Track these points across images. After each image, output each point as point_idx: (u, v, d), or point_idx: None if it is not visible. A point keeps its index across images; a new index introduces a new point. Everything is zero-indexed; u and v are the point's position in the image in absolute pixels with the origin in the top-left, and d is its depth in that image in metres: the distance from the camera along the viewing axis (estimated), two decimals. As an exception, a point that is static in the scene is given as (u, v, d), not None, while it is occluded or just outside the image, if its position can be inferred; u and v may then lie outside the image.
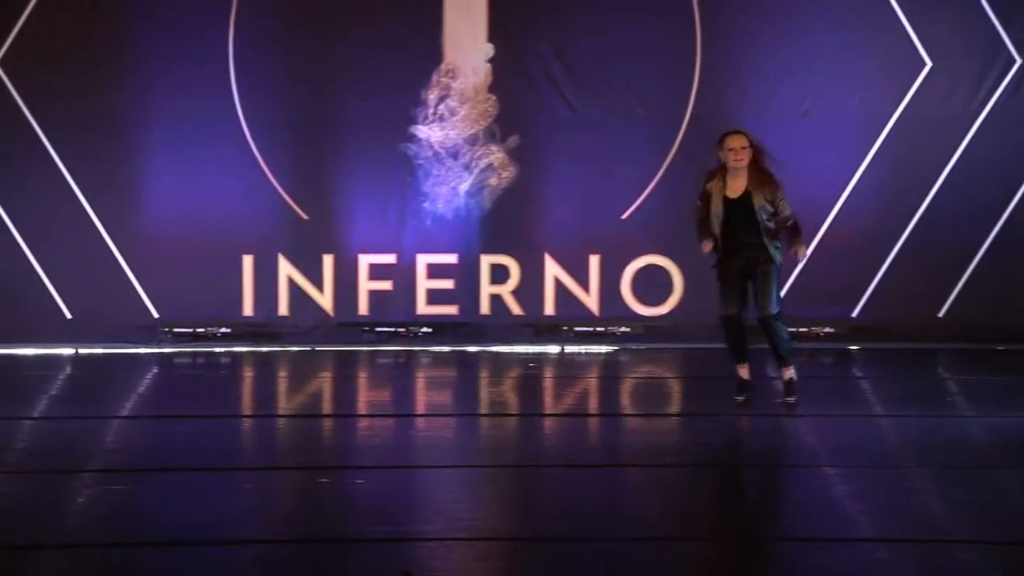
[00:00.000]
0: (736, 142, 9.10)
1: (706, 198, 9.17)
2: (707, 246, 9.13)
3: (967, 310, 12.69)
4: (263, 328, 12.88)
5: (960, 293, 12.71)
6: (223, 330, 12.78)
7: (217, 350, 12.54)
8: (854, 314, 12.80)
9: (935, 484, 7.03)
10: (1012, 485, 7.05)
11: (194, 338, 12.73)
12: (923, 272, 12.67)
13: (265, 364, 11.98)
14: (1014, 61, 12.62)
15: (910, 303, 12.70)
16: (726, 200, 9.10)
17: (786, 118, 12.60)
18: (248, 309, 12.87)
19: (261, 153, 12.78)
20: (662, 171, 12.77)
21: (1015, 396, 9.94)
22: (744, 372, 9.29)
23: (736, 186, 9.12)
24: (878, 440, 8.31)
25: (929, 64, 12.63)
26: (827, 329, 12.67)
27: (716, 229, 9.08)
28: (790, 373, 9.27)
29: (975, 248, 12.69)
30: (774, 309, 9.09)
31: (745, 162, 9.07)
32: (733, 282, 9.12)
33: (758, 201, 9.04)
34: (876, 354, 12.29)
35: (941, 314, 12.76)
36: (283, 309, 12.87)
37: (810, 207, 12.68)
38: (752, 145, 9.10)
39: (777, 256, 9.08)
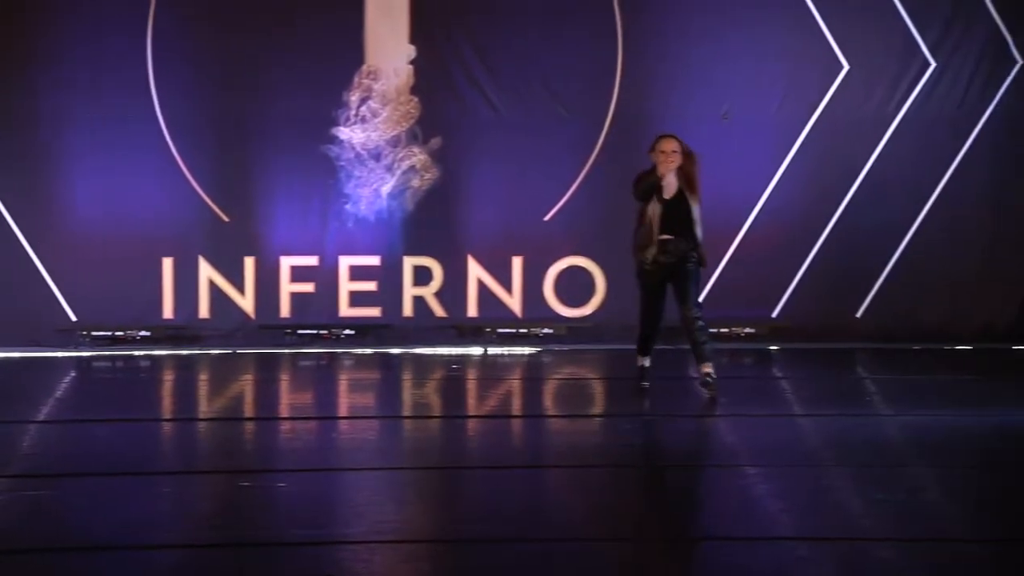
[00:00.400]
0: (668, 145, 9.39)
1: (649, 197, 9.38)
2: (651, 253, 9.37)
3: (883, 310, 12.86)
4: (183, 331, 12.77)
5: (877, 294, 12.89)
6: (142, 333, 12.65)
7: (136, 353, 12.41)
8: (774, 315, 12.93)
9: (854, 482, 7.12)
10: (928, 483, 7.15)
11: (113, 341, 12.59)
12: (841, 273, 12.82)
13: (185, 367, 11.87)
14: (929, 65, 12.81)
15: (828, 304, 12.86)
16: (662, 201, 9.37)
17: (706, 119, 12.70)
18: (168, 312, 12.75)
19: (181, 155, 12.66)
20: (584, 172, 12.82)
21: (930, 395, 10.09)
22: (647, 362, 9.76)
23: (669, 187, 9.39)
24: (798, 439, 8.40)
25: (846, 67, 12.79)
26: (747, 330, 12.79)
27: (654, 227, 9.32)
28: (709, 368, 9.43)
29: (891, 249, 12.87)
30: (697, 308, 9.40)
31: (675, 166, 9.37)
32: (657, 282, 9.42)
33: (692, 201, 9.39)
34: (795, 354, 12.41)
35: (858, 314, 12.92)
36: (204, 312, 12.77)
37: (730, 208, 12.83)
38: (683, 150, 9.41)
39: (694, 250, 9.43)
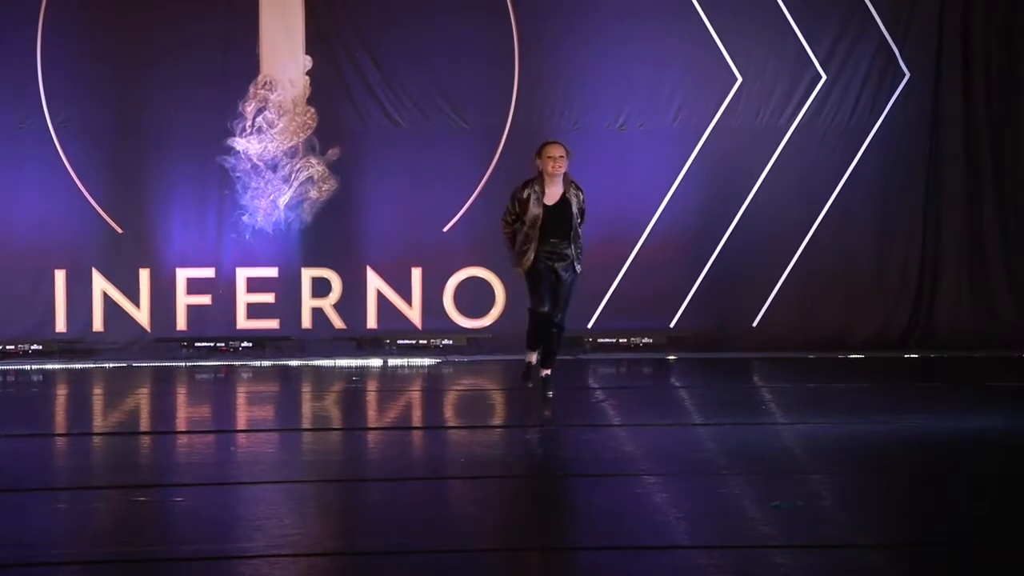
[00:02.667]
0: (556, 151, 9.61)
1: (522, 204, 9.56)
2: (523, 267, 9.57)
3: (779, 320, 13.03)
4: (77, 344, 12.57)
5: (772, 303, 13.05)
6: (34, 347, 12.43)
7: (28, 367, 12.19)
8: (671, 324, 13.04)
9: (751, 490, 7.19)
10: (823, 489, 7.25)
11: (3, 355, 12.36)
12: (737, 283, 12.97)
13: (79, 381, 11.69)
14: (820, 77, 13.02)
15: (725, 314, 13.00)
16: (544, 207, 9.54)
17: (603, 130, 12.80)
18: (61, 325, 12.56)
19: (72, 165, 12.48)
20: (483, 183, 12.84)
21: (825, 402, 10.24)
22: (535, 359, 9.88)
23: (553, 193, 9.60)
24: (695, 448, 8.47)
25: (740, 79, 12.95)
26: (645, 339, 12.88)
27: (535, 232, 9.49)
28: (549, 371, 9.89)
29: (786, 259, 13.05)
30: (566, 319, 9.76)
31: (564, 170, 9.60)
32: (545, 282, 9.61)
33: (575, 207, 9.60)
34: (693, 363, 12.53)
35: (755, 324, 13.08)
36: (98, 325, 12.59)
37: (627, 219, 12.93)
38: (569, 155, 9.65)
39: (579, 267, 9.66)
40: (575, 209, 9.58)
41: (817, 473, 7.62)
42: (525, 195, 9.58)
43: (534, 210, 9.52)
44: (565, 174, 9.62)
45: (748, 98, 12.98)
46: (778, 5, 12.90)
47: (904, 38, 13.05)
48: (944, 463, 7.89)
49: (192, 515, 6.75)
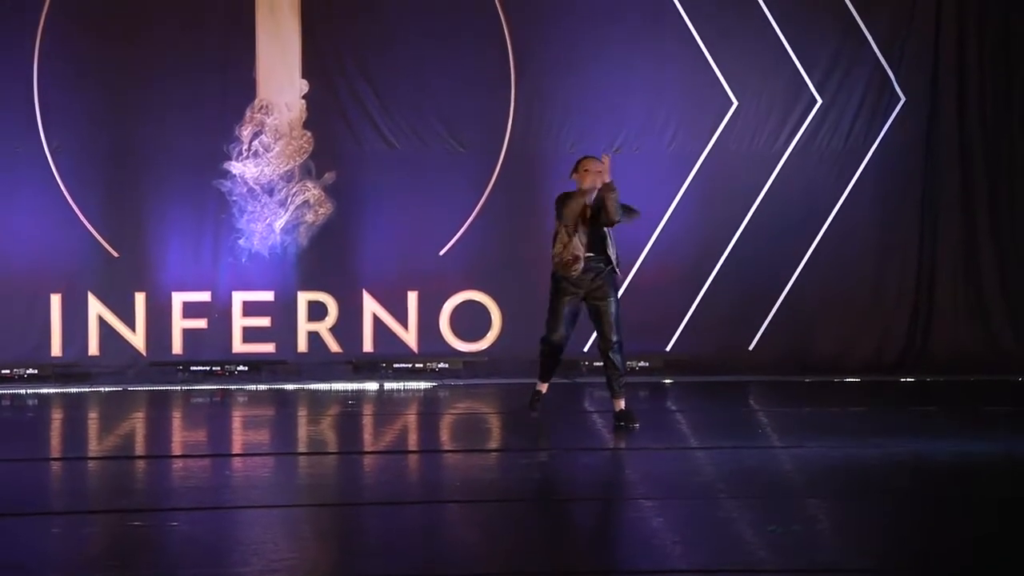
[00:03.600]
0: (595, 165, 9.59)
1: (572, 218, 9.48)
2: (578, 268, 9.47)
3: (775, 343, 13.04)
4: (72, 368, 12.56)
5: (768, 327, 13.06)
6: (30, 371, 12.42)
7: (24, 392, 12.17)
8: (668, 348, 13.04)
9: (748, 514, 7.18)
10: (819, 513, 7.24)
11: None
12: (733, 307, 12.98)
13: (75, 406, 11.66)
14: (815, 101, 13.06)
15: (721, 337, 13.00)
16: (587, 217, 9.51)
17: (599, 154, 12.79)
18: (56, 349, 12.55)
19: (69, 189, 12.49)
20: (479, 207, 12.86)
21: (821, 426, 10.24)
22: (545, 388, 9.88)
23: (589, 207, 9.55)
24: (693, 471, 8.46)
25: (736, 103, 12.98)
26: (642, 363, 12.88)
27: (581, 250, 9.45)
28: (622, 404, 9.63)
29: (782, 283, 13.06)
30: (617, 337, 9.57)
31: (599, 186, 9.50)
32: (568, 308, 9.56)
33: (606, 223, 9.55)
34: (690, 387, 12.53)
35: (751, 347, 13.08)
36: (93, 349, 12.58)
37: (624, 242, 12.89)
38: (606, 170, 9.57)
39: (612, 270, 9.61)
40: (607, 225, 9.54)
41: (813, 497, 7.61)
42: (572, 201, 9.51)
43: (577, 213, 9.47)
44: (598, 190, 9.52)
45: (744, 122, 13.01)
46: (773, 30, 12.94)
47: (899, 62, 13.10)
48: (940, 487, 7.88)
49: (188, 540, 6.73)
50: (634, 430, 9.54)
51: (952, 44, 13.14)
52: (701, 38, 12.91)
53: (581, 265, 9.45)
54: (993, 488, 7.86)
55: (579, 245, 9.44)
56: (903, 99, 13.14)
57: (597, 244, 9.54)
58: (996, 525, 6.88)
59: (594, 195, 9.50)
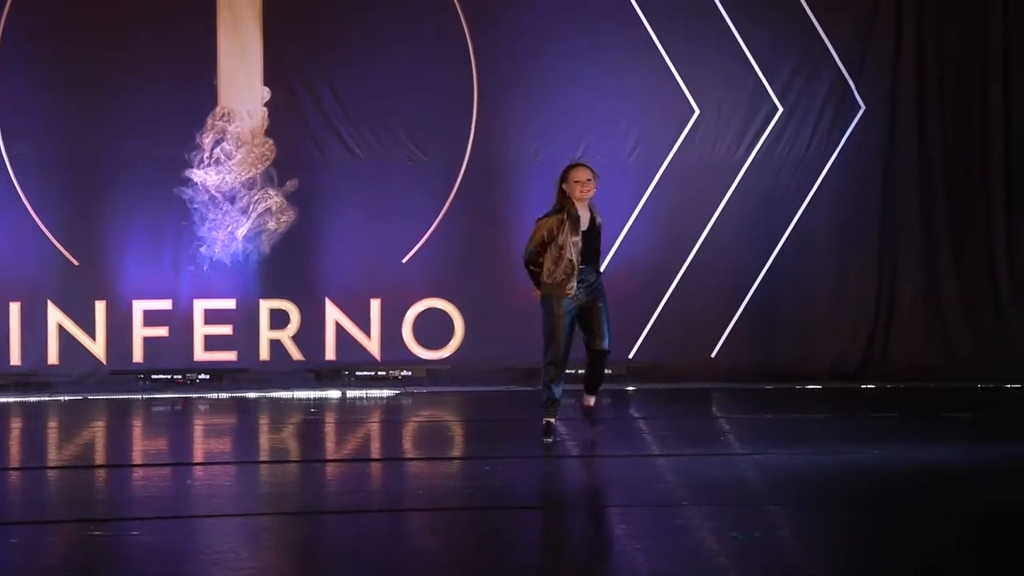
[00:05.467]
0: (584, 174, 9.17)
1: (551, 232, 9.08)
2: (572, 287, 9.12)
3: (737, 351, 13.09)
4: (31, 377, 12.47)
5: (730, 334, 13.11)
6: (-11, 380, 12.33)
7: (-18, 401, 12.07)
8: (631, 355, 13.06)
9: (708, 521, 7.20)
10: (780, 520, 7.27)
11: (-43, 389, 12.24)
12: (695, 314, 13.02)
13: (34, 415, 11.58)
14: (776, 109, 13.12)
15: (683, 345, 13.04)
16: (579, 232, 9.12)
17: (562, 163, 12.79)
18: (15, 358, 12.46)
19: (28, 197, 12.42)
20: (442, 214, 12.86)
21: (782, 433, 10.28)
22: (553, 419, 9.40)
23: (583, 219, 9.17)
24: (655, 479, 8.48)
25: (697, 111, 13.04)
26: (606, 371, 12.86)
27: (574, 258, 9.06)
28: (592, 401, 9.54)
29: (744, 290, 13.12)
30: (609, 344, 9.32)
31: (592, 194, 9.17)
32: (567, 325, 9.20)
33: (599, 233, 9.24)
34: (652, 394, 12.56)
35: (713, 355, 13.13)
36: (53, 358, 12.50)
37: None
38: (596, 177, 9.23)
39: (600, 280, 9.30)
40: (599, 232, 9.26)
41: (775, 504, 7.64)
42: (559, 223, 9.06)
43: (573, 237, 9.05)
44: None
45: (705, 130, 13.07)
46: (735, 38, 13.01)
47: (859, 71, 13.19)
48: (900, 493, 7.93)
49: (148, 549, 6.69)
50: (596, 430, 9.53)
51: (911, 54, 13.24)
52: (663, 46, 12.95)
53: (575, 283, 9.08)
54: (952, 493, 7.91)
55: (572, 260, 9.04)
56: (863, 108, 13.23)
57: (590, 255, 9.18)
58: (955, 530, 6.93)
59: (585, 206, 9.13)
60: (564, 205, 9.15)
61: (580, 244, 9.08)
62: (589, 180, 9.14)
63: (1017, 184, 13.43)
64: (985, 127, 13.35)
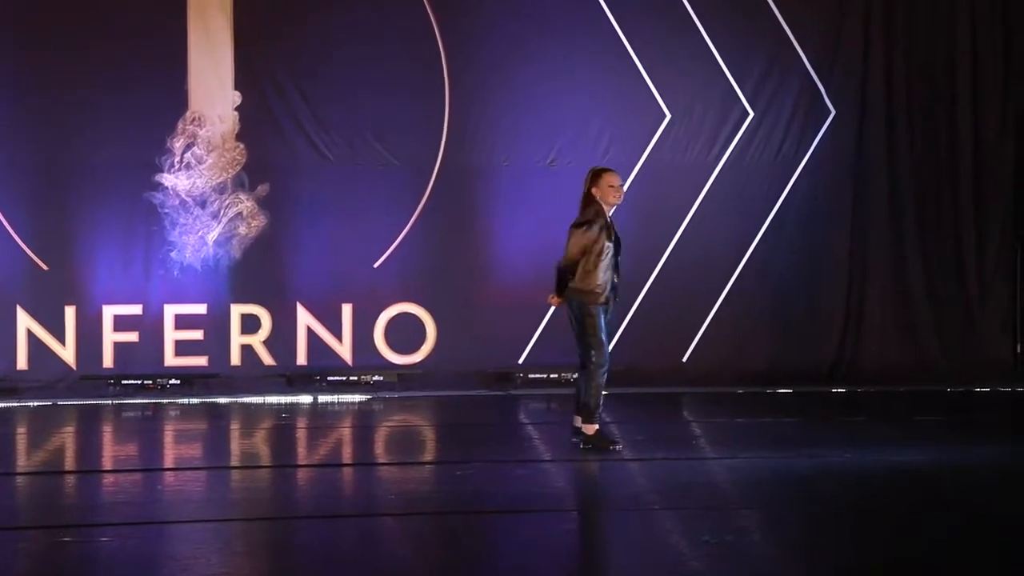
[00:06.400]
0: (618, 180, 9.02)
1: (594, 239, 8.90)
2: (599, 303, 8.95)
3: (708, 355, 13.12)
4: (1, 383, 12.40)
5: (702, 338, 13.14)
6: (-43, 386, 12.25)
7: (-49, 406, 12.00)
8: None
9: (680, 525, 7.22)
10: (752, 523, 7.29)
11: (-74, 394, 12.17)
12: (666, 319, 13.04)
13: (3, 421, 11.51)
14: (747, 114, 13.17)
15: (655, 348, 13.06)
16: (613, 239, 8.98)
17: (533, 167, 12.86)
18: (-16, 363, 12.39)
19: (-3, 201, 12.36)
20: (413, 219, 12.85)
21: (754, 437, 10.31)
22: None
23: (612, 224, 9.03)
24: (626, 483, 8.49)
25: (668, 116, 13.07)
26: (575, 375, 12.86)
27: (607, 272, 8.91)
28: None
29: (715, 295, 13.16)
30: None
31: (622, 200, 9.04)
32: (605, 322, 9.03)
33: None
34: (624, 398, 12.57)
35: (684, 359, 13.15)
36: (22, 363, 12.44)
37: (557, 255, 12.96)
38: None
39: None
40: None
41: (747, 508, 7.66)
42: (597, 230, 8.89)
43: (607, 242, 8.89)
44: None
45: (677, 135, 13.10)
46: (706, 43, 13.05)
47: (829, 76, 13.26)
48: (871, 497, 7.96)
49: (118, 555, 6.66)
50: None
51: (880, 58, 13.32)
52: (635, 51, 12.98)
53: (610, 291, 8.93)
54: (925, 496, 7.95)
55: (607, 268, 8.89)
56: (833, 112, 13.29)
57: (619, 265, 9.07)
58: (928, 532, 6.96)
59: (611, 212, 8.98)
60: (600, 211, 8.95)
61: (614, 251, 8.97)
62: (622, 186, 9.05)
63: (985, 188, 13.51)
64: (953, 132, 13.43)
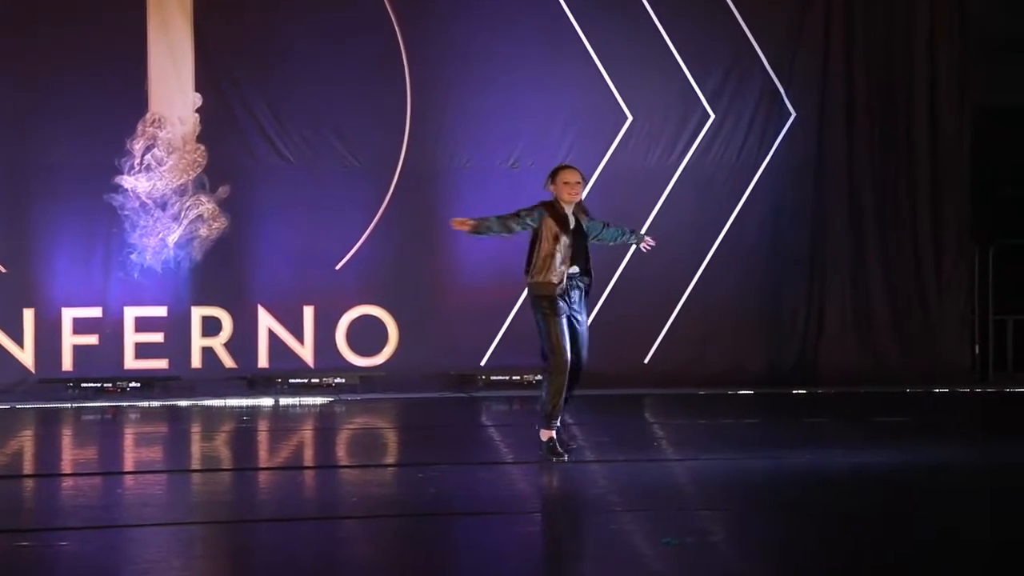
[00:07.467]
0: (573, 176, 8.89)
1: (538, 218, 8.78)
2: (561, 287, 8.73)
3: (670, 357, 13.15)
4: (-42, 386, 12.31)
5: (663, 340, 13.18)
6: (-86, 389, 12.14)
7: (-92, 410, 11.89)
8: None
9: (641, 526, 7.23)
10: (713, 525, 7.31)
11: None
12: (628, 321, 13.07)
13: (-39, 424, 11.42)
14: (708, 116, 13.22)
15: (617, 350, 13.08)
16: (568, 229, 8.80)
17: (495, 169, 12.87)
18: (-58, 367, 12.29)
19: (-46, 203, 12.26)
20: (375, 221, 12.83)
21: (715, 438, 10.34)
22: (557, 425, 8.91)
23: (569, 219, 8.87)
24: (588, 485, 8.49)
25: (630, 118, 13.10)
26: (538, 376, 12.84)
27: (560, 254, 8.73)
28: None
29: (676, 297, 13.20)
30: (585, 361, 8.96)
31: (580, 198, 8.91)
32: (564, 324, 8.80)
33: (590, 234, 8.92)
34: (587, 400, 12.56)
35: (646, 361, 13.18)
36: (-20, 366, 12.34)
37: (518, 256, 12.96)
38: (584, 181, 8.97)
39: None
40: (590, 237, 8.91)
41: (707, 509, 7.68)
42: (548, 210, 8.76)
43: (555, 228, 8.74)
44: (579, 203, 8.89)
45: (638, 137, 13.14)
46: (667, 45, 13.09)
47: (789, 78, 13.33)
48: (834, 497, 8.00)
49: (78, 560, 6.61)
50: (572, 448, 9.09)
51: (840, 62, 13.40)
52: (596, 53, 13.01)
53: (556, 280, 8.72)
54: (885, 496, 8.00)
55: (560, 260, 8.73)
56: (793, 115, 13.36)
57: (581, 259, 8.85)
58: (890, 532, 7.00)
59: (570, 210, 8.83)
60: (546, 204, 8.85)
61: (569, 243, 8.79)
62: (578, 183, 8.89)
63: (944, 190, 13.61)
64: (912, 135, 13.53)
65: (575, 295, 8.86)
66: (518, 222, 8.88)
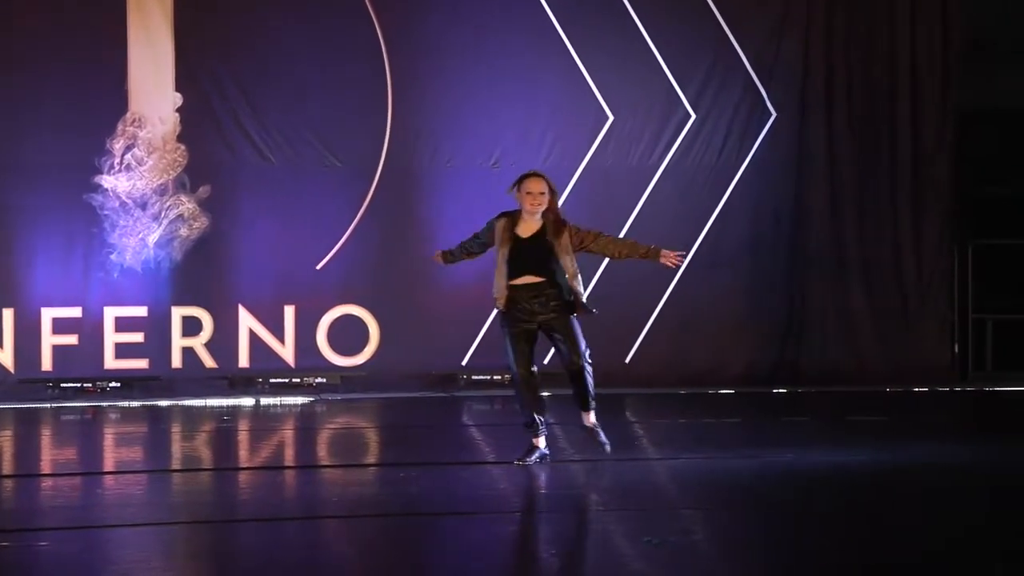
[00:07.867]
0: (535, 186, 8.59)
1: (494, 232, 8.64)
2: (502, 300, 8.59)
3: (651, 356, 13.17)
4: (-63, 387, 12.26)
5: (644, 340, 13.19)
6: None
7: None
8: (544, 361, 13.07)
9: (622, 526, 7.24)
10: (694, 524, 7.32)
11: None
12: (609, 320, 13.01)
13: (-61, 424, 11.37)
14: (689, 116, 13.24)
15: (597, 350, 13.03)
16: (516, 239, 8.59)
17: (476, 168, 12.86)
18: (-80, 367, 12.24)
19: (-67, 202, 12.21)
20: (356, 220, 12.82)
21: (696, 438, 10.36)
22: (541, 430, 8.83)
23: (528, 227, 8.64)
24: (569, 484, 8.50)
25: (611, 118, 13.11)
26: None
27: (504, 267, 8.55)
28: (591, 420, 8.95)
29: (657, 296, 13.21)
30: (584, 357, 8.85)
31: (543, 208, 8.62)
32: (521, 336, 8.64)
33: (558, 246, 8.62)
34: (566, 400, 12.56)
35: (627, 360, 13.20)
36: (-41, 366, 12.29)
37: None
38: (551, 190, 8.65)
39: (570, 298, 8.74)
40: (561, 246, 8.60)
41: (688, 508, 7.69)
42: (499, 224, 8.60)
43: (503, 237, 8.50)
44: (548, 212, 8.60)
45: (619, 137, 13.15)
46: (648, 46, 13.10)
47: (770, 78, 13.35)
48: (815, 496, 8.02)
49: (57, 560, 6.59)
50: (603, 448, 8.89)
51: (820, 61, 13.42)
52: (577, 53, 13.01)
53: (501, 293, 8.53)
54: (866, 495, 8.02)
55: (506, 272, 8.50)
56: (774, 115, 13.38)
57: (543, 269, 8.58)
58: (871, 532, 7.02)
59: (536, 218, 8.58)
60: (510, 212, 8.68)
61: (519, 254, 8.54)
62: (541, 193, 8.58)
63: (924, 190, 13.65)
64: (893, 134, 13.56)
65: (535, 305, 8.60)
66: (473, 242, 8.84)
